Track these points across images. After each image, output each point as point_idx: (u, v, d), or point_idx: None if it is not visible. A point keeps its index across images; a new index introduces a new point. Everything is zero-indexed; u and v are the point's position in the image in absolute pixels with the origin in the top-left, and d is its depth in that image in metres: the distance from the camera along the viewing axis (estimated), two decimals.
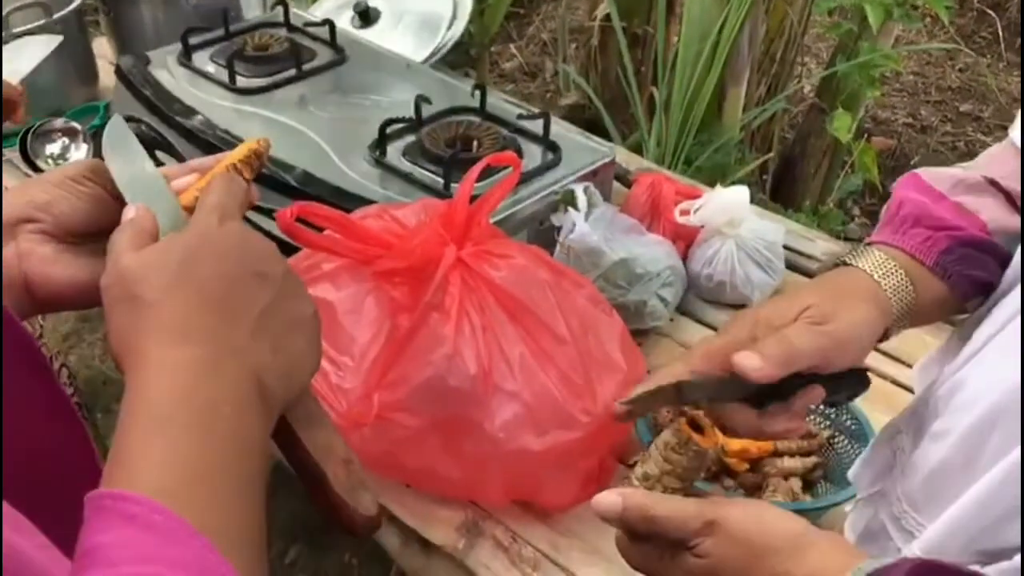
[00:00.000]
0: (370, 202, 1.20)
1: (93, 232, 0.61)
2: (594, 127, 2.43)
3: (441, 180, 1.24)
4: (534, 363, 0.93)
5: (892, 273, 0.66)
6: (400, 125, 1.33)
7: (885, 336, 0.67)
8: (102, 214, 0.61)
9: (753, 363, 0.60)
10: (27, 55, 1.02)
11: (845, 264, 0.69)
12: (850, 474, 0.83)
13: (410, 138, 1.33)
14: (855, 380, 0.68)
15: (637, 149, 1.96)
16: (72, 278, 0.60)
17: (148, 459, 0.45)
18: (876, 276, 0.66)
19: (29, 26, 1.50)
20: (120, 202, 0.60)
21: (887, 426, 0.78)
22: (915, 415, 0.71)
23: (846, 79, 1.92)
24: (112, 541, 0.41)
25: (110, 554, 0.41)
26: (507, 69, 3.72)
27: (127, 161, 0.62)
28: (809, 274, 1.35)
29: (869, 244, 0.71)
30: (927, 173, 0.71)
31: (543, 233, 1.24)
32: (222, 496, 0.46)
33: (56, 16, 1.55)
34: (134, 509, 0.42)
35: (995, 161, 0.71)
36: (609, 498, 0.59)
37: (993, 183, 0.69)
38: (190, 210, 0.60)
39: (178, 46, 1.52)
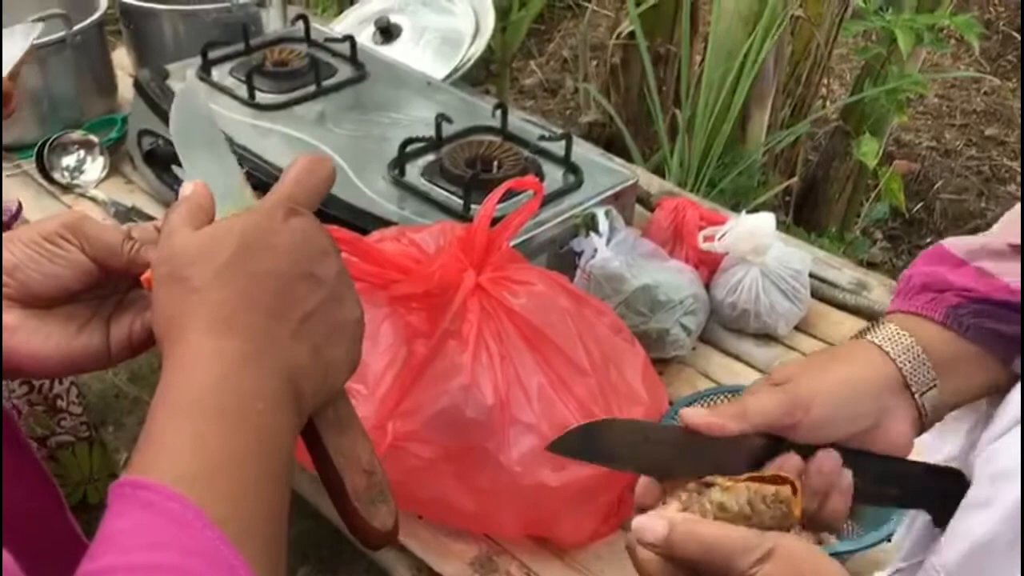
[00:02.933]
0: (388, 222, 1.18)
1: (65, 298, 0.56)
2: (614, 145, 2.41)
3: (460, 201, 1.21)
4: (553, 394, 0.91)
5: (896, 337, 0.63)
6: (420, 144, 1.31)
7: (925, 417, 0.63)
8: (76, 278, 0.56)
9: (696, 413, 0.58)
10: (10, 47, 1.01)
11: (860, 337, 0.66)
12: (895, 539, 0.80)
13: (430, 157, 1.31)
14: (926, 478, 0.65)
15: (658, 169, 1.94)
16: (35, 350, 0.55)
17: (173, 445, 0.44)
18: (877, 341, 0.63)
19: (50, 37, 1.49)
20: (98, 263, 0.56)
21: None
22: None
23: (873, 103, 1.89)
24: (127, 527, 0.41)
25: (124, 540, 0.41)
26: (527, 86, 3.71)
27: (194, 127, 0.57)
28: (834, 303, 1.32)
29: (886, 314, 0.68)
30: (951, 242, 0.68)
31: (563, 257, 1.22)
32: (243, 489, 0.45)
33: (76, 28, 1.54)
34: (151, 497, 0.42)
35: (1014, 225, 0.68)
36: (653, 522, 0.55)
37: (1015, 247, 0.65)
38: None
39: (197, 60, 1.51)
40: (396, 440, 0.89)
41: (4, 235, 0.56)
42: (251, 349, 0.48)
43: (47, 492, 0.57)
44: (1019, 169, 2.82)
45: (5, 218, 1.20)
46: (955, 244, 0.68)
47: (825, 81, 2.29)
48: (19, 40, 1.02)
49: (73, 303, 0.57)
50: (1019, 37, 3.36)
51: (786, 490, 0.58)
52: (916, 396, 0.62)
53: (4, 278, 0.54)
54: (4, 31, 1.04)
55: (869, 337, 0.64)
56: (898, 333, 0.63)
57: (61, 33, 1.52)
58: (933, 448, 0.71)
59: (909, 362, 0.62)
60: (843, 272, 1.38)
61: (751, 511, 0.58)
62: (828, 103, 2.40)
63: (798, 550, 0.54)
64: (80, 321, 0.57)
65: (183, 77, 1.48)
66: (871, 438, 0.62)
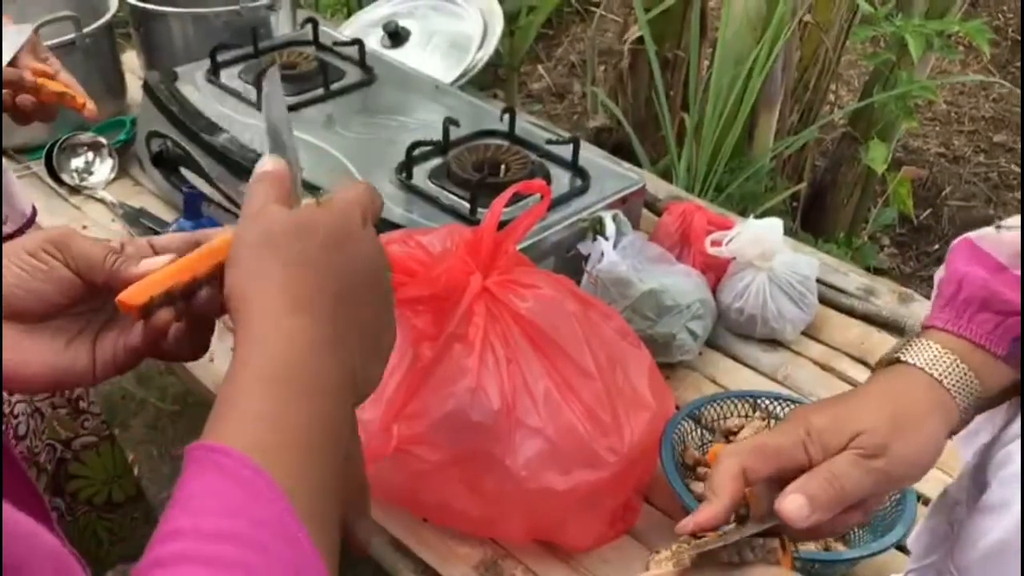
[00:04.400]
0: (395, 225, 1.18)
1: (52, 313, 0.55)
2: (622, 150, 2.40)
3: (467, 204, 1.21)
4: (559, 398, 0.90)
5: (953, 369, 0.62)
6: (427, 148, 1.31)
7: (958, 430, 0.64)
8: (62, 293, 0.55)
9: (800, 512, 0.57)
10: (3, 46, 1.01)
11: (899, 361, 0.64)
12: (909, 542, 0.80)
13: (437, 161, 1.31)
14: None
15: (666, 174, 1.93)
16: (23, 367, 0.54)
17: (251, 413, 0.45)
18: (936, 374, 0.62)
19: (61, 39, 1.50)
20: (84, 278, 0.55)
21: (943, 494, 0.74)
22: (970, 483, 0.67)
23: (882, 109, 1.88)
24: (202, 490, 0.42)
25: (197, 504, 0.42)
26: (535, 90, 3.71)
27: (279, 112, 0.58)
28: (842, 308, 1.32)
29: (927, 328, 0.66)
30: (981, 240, 0.67)
31: (570, 261, 1.22)
32: (312, 464, 0.46)
33: (86, 30, 1.55)
34: (225, 461, 0.43)
35: None
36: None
37: None
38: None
39: (206, 62, 1.51)
40: (401, 443, 0.89)
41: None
42: (329, 335, 0.49)
43: (37, 507, 0.57)
44: None
45: (21, 223, 1.21)
46: (988, 244, 0.66)
47: (833, 87, 2.28)
48: (18, 36, 1.03)
49: (61, 318, 0.56)
50: None
51: (773, 542, 0.59)
52: (961, 414, 0.62)
53: None
54: (6, 30, 1.05)
55: (925, 368, 0.62)
56: (955, 365, 0.62)
57: (71, 35, 1.53)
58: (965, 442, 0.71)
59: (965, 398, 0.62)
60: (851, 278, 1.37)
61: (738, 558, 0.59)
62: (836, 109, 2.39)
63: None
64: (67, 337, 0.56)
65: (192, 80, 1.49)
66: None
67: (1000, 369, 0.63)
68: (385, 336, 0.56)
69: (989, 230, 0.67)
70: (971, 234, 0.67)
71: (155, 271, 0.55)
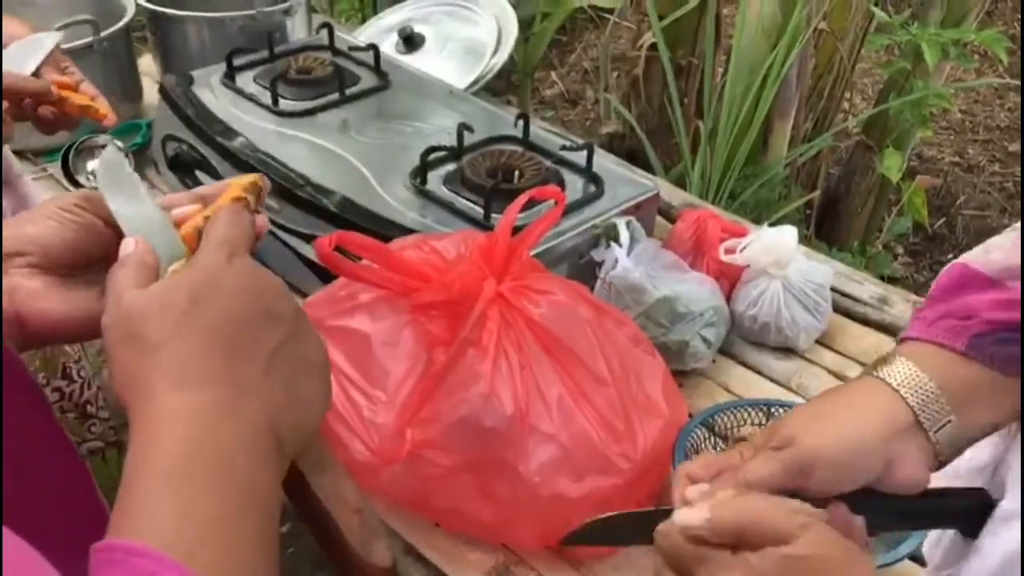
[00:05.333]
0: (409, 230, 1.19)
1: (86, 263, 0.58)
2: (635, 156, 2.40)
3: (481, 210, 1.21)
4: (572, 404, 0.90)
5: (908, 373, 0.60)
6: (441, 153, 1.31)
7: (941, 454, 0.60)
8: (95, 244, 0.58)
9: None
10: (28, 55, 1.02)
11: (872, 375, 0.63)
12: (925, 551, 0.79)
13: (451, 166, 1.32)
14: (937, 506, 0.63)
15: (679, 181, 1.93)
16: (64, 313, 0.56)
17: (160, 512, 0.43)
18: (888, 379, 0.60)
19: (78, 43, 1.51)
20: (115, 230, 0.57)
21: None
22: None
23: (896, 117, 1.88)
24: None
25: None
26: (548, 96, 3.71)
27: (124, 193, 0.58)
28: (856, 317, 1.32)
29: (900, 343, 0.65)
30: (973, 259, 0.65)
31: (583, 267, 1.22)
32: (237, 552, 0.44)
33: (104, 34, 1.56)
34: (148, 565, 0.40)
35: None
36: (694, 510, 0.55)
37: None
38: (190, 243, 0.56)
39: (222, 66, 1.52)
40: (415, 448, 0.89)
41: (30, 211, 0.59)
42: (224, 397, 0.48)
43: (76, 467, 0.58)
44: None
45: None
46: (978, 261, 0.65)
47: (848, 94, 2.28)
48: (37, 50, 1.04)
49: (94, 271, 0.58)
50: None
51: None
52: (930, 433, 0.60)
53: (29, 247, 0.56)
54: (30, 37, 1.05)
55: (879, 373, 0.61)
56: (910, 369, 0.60)
57: (89, 39, 1.54)
58: (965, 456, 0.70)
59: (921, 400, 0.60)
60: (865, 287, 1.37)
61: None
62: (851, 117, 2.39)
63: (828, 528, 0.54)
64: (100, 286, 0.57)
65: (208, 83, 1.50)
66: (882, 482, 0.60)
67: (975, 374, 0.60)
68: (306, 352, 0.53)
69: (978, 251, 0.66)
70: (962, 257, 0.66)
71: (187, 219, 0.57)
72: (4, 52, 1.00)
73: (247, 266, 0.53)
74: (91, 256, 0.58)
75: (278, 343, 0.51)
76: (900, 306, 1.33)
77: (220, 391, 0.48)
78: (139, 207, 0.57)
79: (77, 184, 1.51)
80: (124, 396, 0.48)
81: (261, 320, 0.51)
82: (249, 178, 0.61)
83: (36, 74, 1.03)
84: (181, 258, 0.55)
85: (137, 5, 1.66)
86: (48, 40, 1.03)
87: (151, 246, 0.54)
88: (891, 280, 2.11)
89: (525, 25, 2.17)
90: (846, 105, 2.30)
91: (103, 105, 1.05)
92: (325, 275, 1.07)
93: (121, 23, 1.61)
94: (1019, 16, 3.53)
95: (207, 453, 0.46)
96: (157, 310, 0.49)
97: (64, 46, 1.45)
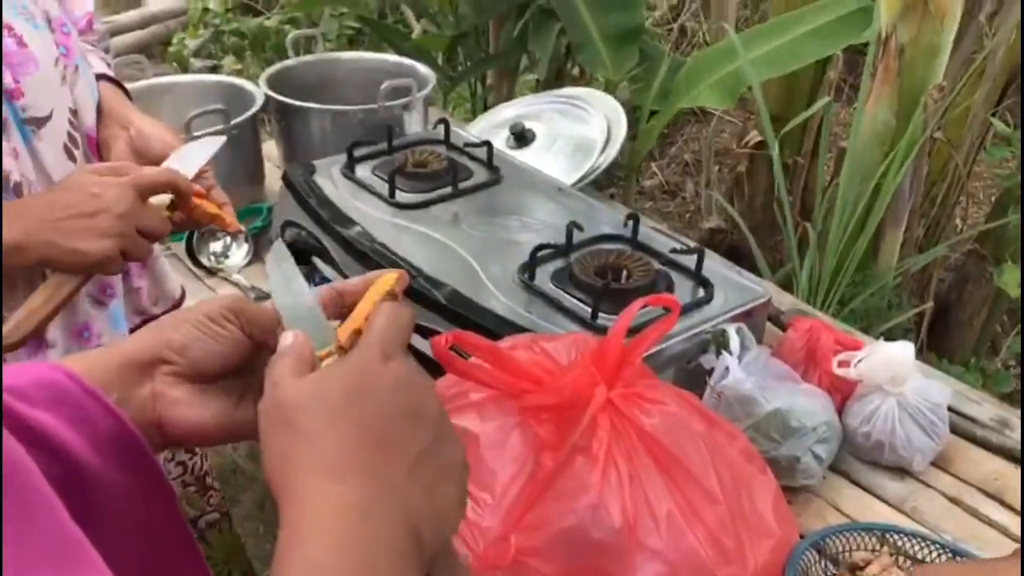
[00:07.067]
0: (516, 325, 1.19)
1: (226, 373, 0.60)
2: (736, 253, 2.39)
3: (589, 309, 1.22)
4: (682, 521, 0.88)
5: None
6: (550, 250, 1.32)
7: None
8: (238, 356, 0.60)
9: None
10: (194, 157, 1.07)
11: None
12: None
13: (559, 263, 1.33)
14: None
15: (786, 283, 1.90)
16: (200, 421, 0.58)
17: None
18: None
19: (209, 130, 1.59)
20: (259, 344, 0.59)
21: None
22: None
23: (1014, 230, 1.82)
24: None
25: None
26: (647, 187, 3.73)
27: (287, 286, 0.61)
28: (975, 440, 1.26)
29: None
30: None
31: (691, 372, 1.20)
32: None
33: (234, 122, 1.64)
34: None
35: None
36: None
37: None
38: (348, 337, 0.58)
39: (343, 157, 1.57)
40: (519, 555, 0.88)
41: (175, 314, 0.61)
42: (369, 496, 0.48)
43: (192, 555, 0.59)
44: None
45: (169, 305, 1.26)
46: None
47: (961, 199, 2.23)
48: (205, 150, 1.10)
49: (231, 378, 0.60)
50: None
51: None
52: None
53: (175, 356, 0.58)
54: (205, 140, 1.12)
55: None
56: None
57: (219, 127, 1.62)
58: None
59: None
60: (984, 407, 1.31)
61: None
62: (963, 223, 2.33)
63: None
64: (237, 394, 0.60)
65: (328, 173, 1.55)
66: None
67: None
68: (447, 455, 0.54)
69: None
70: None
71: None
72: (179, 152, 1.06)
73: (401, 366, 0.54)
74: (232, 366, 0.60)
75: (423, 446, 0.52)
76: None
77: (364, 488, 0.49)
78: (299, 299, 0.60)
79: (199, 263, 1.58)
80: (274, 481, 0.50)
81: (409, 420, 0.52)
82: (394, 274, 0.63)
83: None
84: (330, 345, 0.57)
85: (265, 95, 1.74)
86: (217, 144, 1.09)
87: (309, 338, 0.56)
88: (1006, 397, 2.01)
89: (633, 122, 2.20)
90: (959, 211, 2.24)
91: (230, 214, 1.10)
92: (434, 368, 1.08)
93: (250, 112, 1.69)
94: None
95: (349, 553, 0.46)
96: (311, 402, 0.51)
97: (196, 133, 1.54)
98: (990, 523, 1.14)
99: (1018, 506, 1.15)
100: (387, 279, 0.63)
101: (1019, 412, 1.33)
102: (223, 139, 1.13)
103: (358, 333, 0.57)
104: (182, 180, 1.01)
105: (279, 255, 0.63)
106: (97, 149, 1.11)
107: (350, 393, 0.51)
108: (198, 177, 1.07)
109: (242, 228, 1.17)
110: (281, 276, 0.61)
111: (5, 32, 0.95)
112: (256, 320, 0.59)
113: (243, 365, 0.60)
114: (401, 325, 0.57)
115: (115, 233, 0.95)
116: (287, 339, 0.56)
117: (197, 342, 0.58)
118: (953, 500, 1.18)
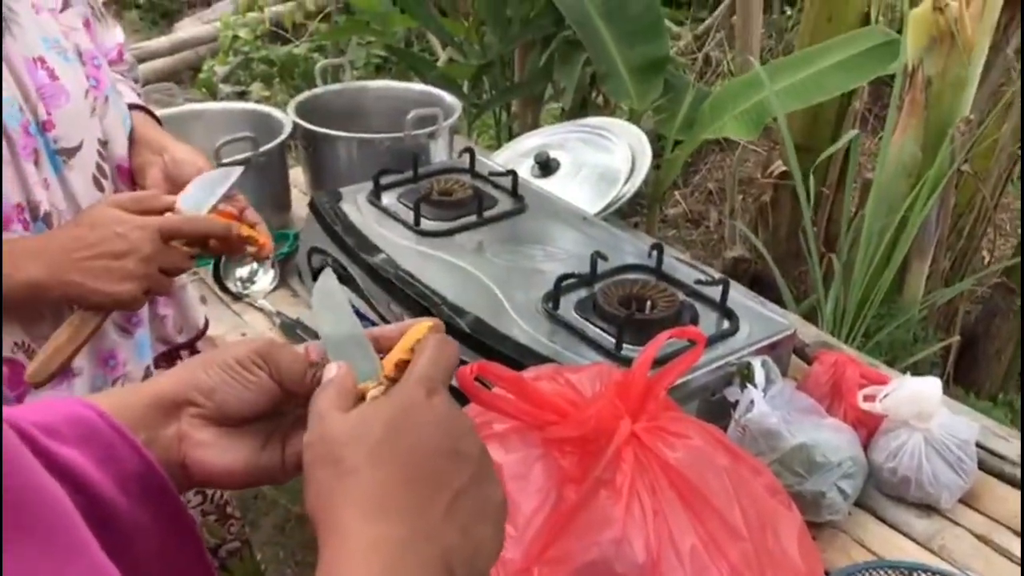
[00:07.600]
0: (539, 354, 1.19)
1: (254, 418, 0.60)
2: (760, 282, 2.38)
3: (613, 340, 1.21)
4: (706, 556, 0.87)
5: None
6: (574, 280, 1.32)
7: None
8: (266, 403, 0.59)
9: None
10: (216, 187, 1.08)
11: None
12: None
13: (583, 293, 1.33)
14: None
15: (810, 314, 1.89)
16: (225, 464, 0.58)
17: None
18: None
19: (238, 157, 1.61)
20: (286, 390, 0.59)
21: None
22: None
23: None
24: None
25: None
26: (671, 215, 3.73)
27: (335, 316, 0.61)
28: (1004, 477, 1.24)
29: None
30: None
31: (714, 405, 1.19)
32: None
33: (262, 149, 1.66)
34: None
35: None
36: None
37: None
38: (392, 371, 0.58)
39: (369, 185, 1.59)
40: None
41: (204, 357, 0.60)
42: (408, 535, 0.49)
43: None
44: None
45: (193, 335, 1.27)
46: None
47: (988, 232, 2.21)
48: (229, 179, 1.10)
49: (258, 421, 0.60)
50: None
51: None
52: None
53: (203, 399, 0.58)
54: (220, 171, 1.12)
55: None
56: None
57: (247, 154, 1.64)
58: None
59: None
60: (1013, 444, 1.30)
61: None
62: (990, 255, 2.31)
63: None
64: (263, 438, 0.60)
65: (354, 200, 1.57)
66: None
67: None
68: (487, 493, 0.54)
69: None
70: None
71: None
72: (195, 183, 1.07)
73: (444, 404, 0.54)
74: (260, 411, 0.60)
75: (462, 484, 0.52)
76: None
77: (404, 526, 0.49)
78: (345, 329, 0.60)
79: (225, 289, 1.59)
80: (316, 513, 0.50)
81: (449, 459, 0.52)
82: (429, 322, 0.63)
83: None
84: (374, 377, 0.57)
85: (293, 123, 1.76)
86: (234, 175, 1.10)
87: (352, 370, 0.57)
88: None
89: (657, 152, 2.21)
90: (986, 243, 2.22)
91: (263, 234, 1.10)
92: (457, 397, 1.08)
93: (278, 140, 1.71)
94: None
95: None
96: (354, 435, 0.51)
97: (225, 160, 1.56)
98: (1020, 562, 1.12)
99: None
100: (421, 327, 0.62)
101: None
102: (241, 169, 1.13)
103: (405, 364, 0.57)
104: (218, 227, 1.01)
105: (327, 284, 0.63)
106: (130, 178, 1.12)
107: (394, 428, 0.52)
108: (229, 199, 1.07)
109: (273, 248, 1.17)
110: (328, 305, 0.62)
111: (38, 65, 0.97)
112: (286, 368, 0.59)
113: (271, 410, 0.60)
114: (446, 359, 0.57)
115: (139, 275, 0.96)
116: (331, 371, 0.57)
117: (225, 386, 0.58)
118: (981, 538, 1.16)
